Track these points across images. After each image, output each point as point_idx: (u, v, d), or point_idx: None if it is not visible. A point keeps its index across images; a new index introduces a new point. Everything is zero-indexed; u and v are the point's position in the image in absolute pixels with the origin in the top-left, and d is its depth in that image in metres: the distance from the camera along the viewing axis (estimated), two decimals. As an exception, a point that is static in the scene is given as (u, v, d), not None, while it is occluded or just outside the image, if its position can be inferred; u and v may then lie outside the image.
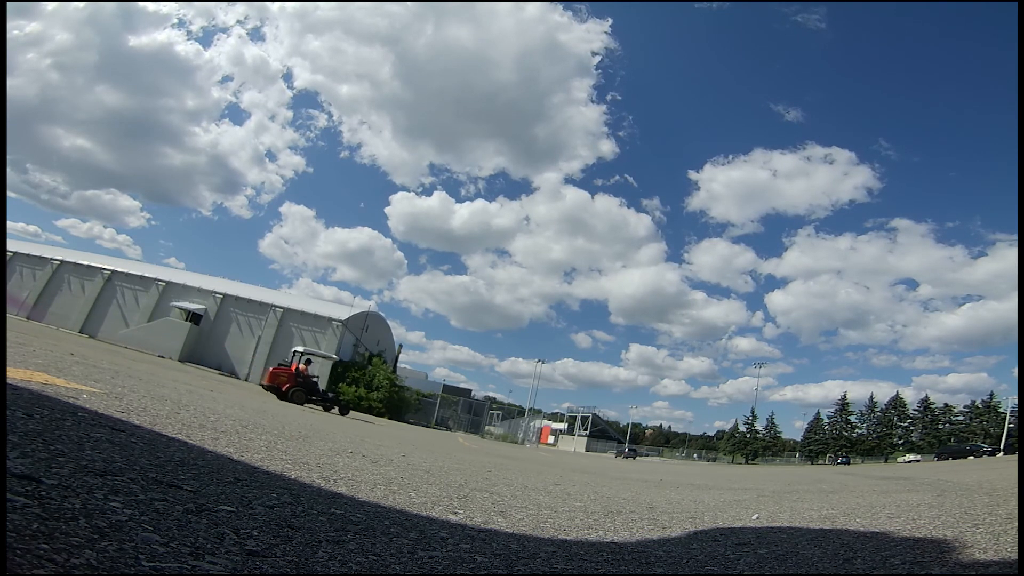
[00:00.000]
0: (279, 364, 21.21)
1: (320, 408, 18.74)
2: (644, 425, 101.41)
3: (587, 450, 58.03)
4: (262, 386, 21.12)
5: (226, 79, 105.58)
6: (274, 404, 14.32)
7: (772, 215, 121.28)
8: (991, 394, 60.73)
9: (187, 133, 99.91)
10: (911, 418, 65.48)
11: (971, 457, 36.12)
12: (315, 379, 20.35)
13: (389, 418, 36.95)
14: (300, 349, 21.57)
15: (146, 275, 44.17)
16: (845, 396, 69.57)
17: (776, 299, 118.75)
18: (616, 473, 11.75)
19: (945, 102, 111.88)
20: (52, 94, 75.59)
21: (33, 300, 41.54)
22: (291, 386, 18.42)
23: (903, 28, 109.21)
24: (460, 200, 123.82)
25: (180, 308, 41.31)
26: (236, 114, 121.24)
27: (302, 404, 18.15)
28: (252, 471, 3.16)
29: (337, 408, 19.74)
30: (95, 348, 19.33)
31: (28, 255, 44.15)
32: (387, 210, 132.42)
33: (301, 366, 19.52)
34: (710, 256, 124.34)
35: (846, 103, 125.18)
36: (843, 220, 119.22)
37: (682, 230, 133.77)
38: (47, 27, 71.33)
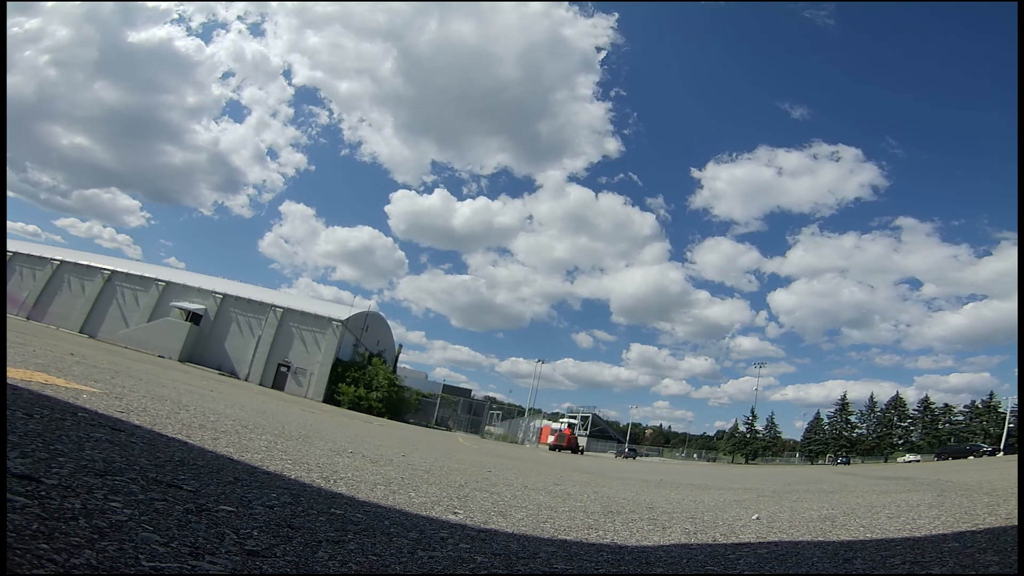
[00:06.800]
0: (560, 430, 41.29)
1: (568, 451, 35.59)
2: (644, 425, 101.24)
3: (587, 450, 58.11)
4: (550, 445, 38.72)
5: (227, 75, 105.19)
6: (274, 404, 14.32)
7: (776, 213, 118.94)
8: (991, 394, 60.67)
9: (187, 131, 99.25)
10: (911, 418, 65.39)
11: (971, 457, 36.12)
12: (575, 435, 41.63)
13: (389, 418, 36.93)
14: (575, 421, 44.02)
15: (146, 275, 44.12)
16: (845, 396, 69.50)
17: (779, 298, 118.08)
18: (616, 473, 11.75)
19: (953, 100, 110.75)
20: (50, 91, 75.28)
21: (33, 300, 41.52)
22: (571, 443, 38.69)
23: (911, 25, 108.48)
24: (462, 198, 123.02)
25: (180, 308, 41.28)
26: (237, 111, 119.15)
27: (573, 453, 35.35)
28: (252, 471, 3.16)
29: (580, 452, 38.39)
30: (95, 348, 19.33)
31: (28, 255, 44.10)
32: (387, 208, 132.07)
33: (567, 430, 40.44)
34: (714, 255, 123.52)
35: (853, 100, 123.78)
36: (847, 218, 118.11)
37: (685, 229, 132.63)
38: (45, 23, 71.13)
